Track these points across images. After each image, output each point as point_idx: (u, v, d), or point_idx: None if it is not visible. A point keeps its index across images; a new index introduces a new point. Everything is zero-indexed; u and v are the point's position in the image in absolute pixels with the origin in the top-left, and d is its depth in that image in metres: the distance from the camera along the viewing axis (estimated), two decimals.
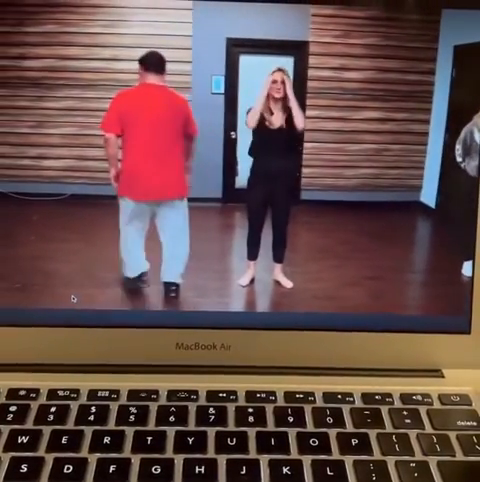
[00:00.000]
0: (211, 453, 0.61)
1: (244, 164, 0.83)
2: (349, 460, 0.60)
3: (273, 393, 0.69)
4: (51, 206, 0.80)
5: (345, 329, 0.74)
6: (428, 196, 0.83)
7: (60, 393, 0.68)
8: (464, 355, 0.74)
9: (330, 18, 0.74)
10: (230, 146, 0.81)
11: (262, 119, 0.82)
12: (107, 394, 0.68)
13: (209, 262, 0.87)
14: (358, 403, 0.69)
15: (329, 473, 0.59)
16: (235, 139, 0.81)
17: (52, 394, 0.68)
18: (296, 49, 0.79)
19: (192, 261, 0.81)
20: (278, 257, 0.85)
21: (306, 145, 0.82)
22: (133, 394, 0.68)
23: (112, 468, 0.58)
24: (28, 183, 0.81)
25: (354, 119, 0.80)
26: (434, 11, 0.72)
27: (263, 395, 0.69)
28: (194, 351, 0.74)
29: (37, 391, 0.68)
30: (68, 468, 0.58)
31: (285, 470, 0.59)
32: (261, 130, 0.82)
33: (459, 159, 0.77)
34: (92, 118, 0.79)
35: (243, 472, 0.59)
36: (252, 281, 0.84)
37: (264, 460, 0.60)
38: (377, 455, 0.61)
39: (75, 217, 0.82)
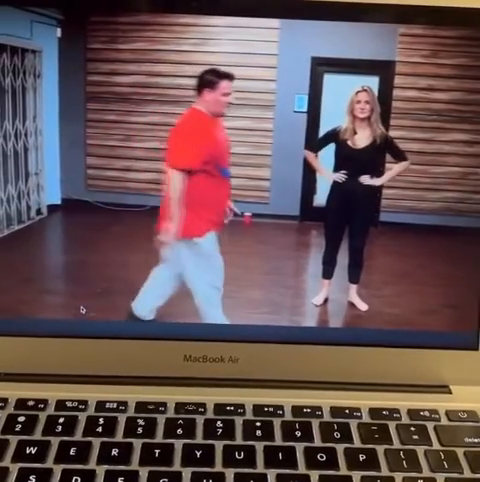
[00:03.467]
0: (219, 467, 0.61)
1: (323, 182, 0.83)
2: (357, 476, 0.60)
3: (281, 407, 0.69)
4: (133, 217, 0.82)
5: (353, 344, 0.74)
6: None
7: (68, 404, 0.68)
8: (472, 371, 0.74)
9: (418, 38, 0.73)
10: (310, 164, 0.81)
11: (345, 139, 0.82)
12: (115, 406, 0.69)
13: (284, 279, 0.87)
14: (366, 418, 0.69)
15: None
16: (317, 153, 0.81)
17: (60, 405, 0.68)
18: (382, 69, 0.79)
19: (268, 277, 0.82)
20: (354, 278, 0.84)
21: (388, 166, 0.82)
22: (141, 406, 0.69)
23: (120, 480, 0.58)
24: (114, 194, 0.83)
25: (439, 141, 0.79)
26: None
27: (271, 409, 0.69)
28: (202, 364, 0.74)
29: (45, 402, 0.69)
30: (76, 480, 0.58)
31: None
32: (344, 149, 0.82)
33: None
34: None
35: None
36: (326, 301, 0.84)
37: (272, 474, 0.60)
38: (385, 471, 0.61)
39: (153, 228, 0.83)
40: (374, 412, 0.69)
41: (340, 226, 0.85)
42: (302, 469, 0.61)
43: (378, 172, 0.82)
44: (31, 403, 0.68)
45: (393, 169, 0.81)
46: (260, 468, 0.61)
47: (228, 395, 0.71)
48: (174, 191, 0.79)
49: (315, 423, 0.67)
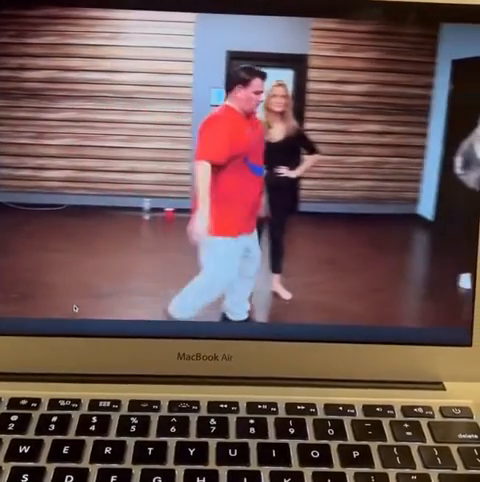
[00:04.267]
0: (212, 464, 0.61)
1: None
2: (350, 472, 0.60)
3: (274, 404, 0.69)
4: (49, 217, 0.80)
5: (346, 341, 0.74)
6: (425, 209, 0.83)
7: (61, 403, 0.68)
8: (465, 368, 0.74)
9: (330, 32, 0.75)
10: None
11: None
12: (108, 404, 0.68)
13: None
14: (359, 415, 0.69)
15: None
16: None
17: (53, 404, 0.68)
18: (296, 62, 0.80)
19: (192, 271, 0.82)
20: (276, 268, 0.85)
21: (305, 157, 0.82)
22: (134, 404, 0.69)
23: (113, 478, 0.58)
24: (27, 193, 0.81)
25: (353, 132, 0.80)
26: (433, 25, 0.73)
27: (264, 406, 0.69)
28: (195, 362, 0.74)
29: (38, 401, 0.68)
30: (69, 478, 0.58)
31: None
32: None
33: (459, 171, 0.78)
34: (91, 129, 0.80)
35: None
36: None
37: (265, 472, 0.60)
38: (378, 467, 0.61)
39: (72, 227, 0.82)
40: (368, 409, 0.69)
41: (260, 218, 0.86)
42: (296, 466, 0.61)
43: (294, 164, 0.83)
44: (24, 402, 0.68)
45: (306, 162, 0.82)
46: (253, 465, 0.61)
47: (222, 393, 0.71)
48: (200, 184, 0.79)
49: (309, 420, 0.67)
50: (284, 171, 0.82)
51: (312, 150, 0.80)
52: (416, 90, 0.78)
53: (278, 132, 0.83)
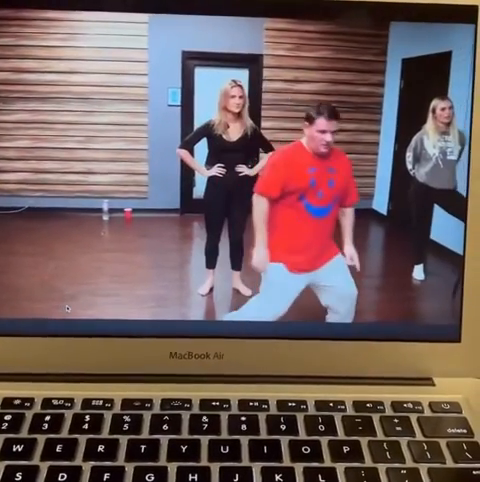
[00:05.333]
0: (204, 461, 0.61)
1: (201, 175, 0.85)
2: (341, 467, 0.61)
3: (266, 401, 0.70)
4: (7, 220, 0.80)
5: (337, 338, 0.75)
6: (380, 204, 0.85)
7: (54, 402, 0.69)
8: (454, 363, 0.75)
9: (283, 32, 0.76)
10: (186, 163, 0.82)
11: (219, 133, 0.83)
12: (101, 403, 0.69)
13: (169, 272, 0.87)
14: (350, 411, 0.69)
15: (321, 480, 0.59)
16: (192, 150, 0.82)
17: (46, 403, 0.69)
18: (250, 62, 0.81)
19: (152, 271, 0.82)
20: (236, 265, 0.86)
21: (262, 155, 0.83)
22: (127, 403, 0.69)
23: (106, 476, 0.59)
24: None
25: None
26: (383, 24, 0.74)
27: (256, 403, 0.70)
28: (187, 360, 0.74)
29: (32, 400, 0.69)
30: (62, 476, 0.59)
31: (277, 477, 0.59)
32: (218, 143, 0.84)
33: (409, 166, 0.80)
34: (47, 131, 0.80)
35: (236, 480, 0.59)
36: (211, 290, 0.85)
37: (257, 468, 0.61)
38: (368, 462, 0.62)
39: (32, 230, 0.82)
40: (358, 405, 0.70)
41: (219, 217, 0.87)
42: (287, 462, 0.62)
43: (252, 163, 0.83)
44: (17, 402, 0.69)
45: (264, 159, 0.83)
46: (245, 462, 0.61)
47: (213, 391, 0.71)
48: (255, 217, 0.81)
49: (300, 417, 0.68)
50: (244, 169, 0.82)
51: (269, 148, 0.81)
52: (368, 88, 0.80)
53: (235, 132, 0.84)
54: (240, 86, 0.80)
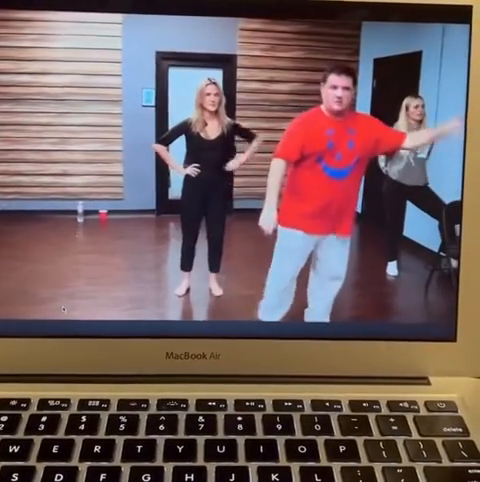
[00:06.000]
0: (200, 461, 0.61)
1: (176, 175, 0.84)
2: (337, 467, 0.61)
3: (262, 401, 0.70)
4: None
5: (333, 338, 0.75)
6: None
7: (51, 403, 0.69)
8: (450, 363, 0.75)
9: (257, 32, 0.77)
10: (162, 159, 0.82)
11: (197, 131, 0.84)
12: (97, 404, 0.69)
13: (145, 273, 0.87)
14: (346, 410, 0.70)
15: (317, 479, 0.59)
16: (167, 150, 0.82)
17: (43, 404, 0.69)
18: (225, 62, 0.82)
19: (129, 272, 0.81)
20: (214, 267, 0.86)
21: (237, 155, 0.83)
22: (123, 403, 0.69)
23: (102, 476, 0.59)
24: None
25: (282, 129, 0.81)
26: (355, 24, 0.75)
27: (252, 403, 0.70)
28: (184, 360, 0.74)
29: (28, 401, 0.69)
30: (59, 477, 0.59)
31: (274, 477, 0.59)
32: (197, 141, 0.84)
33: (382, 164, 0.82)
34: (22, 132, 0.80)
35: (232, 479, 0.59)
36: (188, 290, 0.85)
37: (253, 467, 0.61)
38: (364, 461, 0.62)
39: (6, 233, 0.81)
40: (354, 404, 0.70)
41: (196, 217, 0.87)
42: (283, 461, 0.62)
43: (231, 159, 0.84)
44: (13, 403, 0.69)
45: (250, 148, 0.83)
46: (241, 461, 0.62)
47: (210, 391, 0.71)
48: (270, 179, 0.80)
49: (296, 416, 0.68)
50: (229, 165, 0.83)
51: (251, 136, 0.82)
52: None
53: (214, 130, 0.84)
54: (215, 84, 0.80)
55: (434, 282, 0.79)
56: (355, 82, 0.78)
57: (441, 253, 0.80)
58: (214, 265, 0.86)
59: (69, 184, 0.82)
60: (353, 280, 0.82)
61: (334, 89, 0.78)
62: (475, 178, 0.73)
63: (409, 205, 0.86)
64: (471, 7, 0.70)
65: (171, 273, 0.89)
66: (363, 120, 0.79)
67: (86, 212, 0.82)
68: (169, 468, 0.60)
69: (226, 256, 0.85)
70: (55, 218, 0.80)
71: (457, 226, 0.75)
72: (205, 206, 0.86)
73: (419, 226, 0.84)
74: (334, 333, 0.75)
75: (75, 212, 0.82)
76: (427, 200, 0.80)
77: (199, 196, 0.86)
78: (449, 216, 0.77)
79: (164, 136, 0.80)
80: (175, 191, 0.86)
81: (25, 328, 0.74)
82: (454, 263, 0.75)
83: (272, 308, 0.80)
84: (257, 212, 0.81)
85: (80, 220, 0.81)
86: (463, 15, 0.70)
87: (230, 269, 0.85)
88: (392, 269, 0.81)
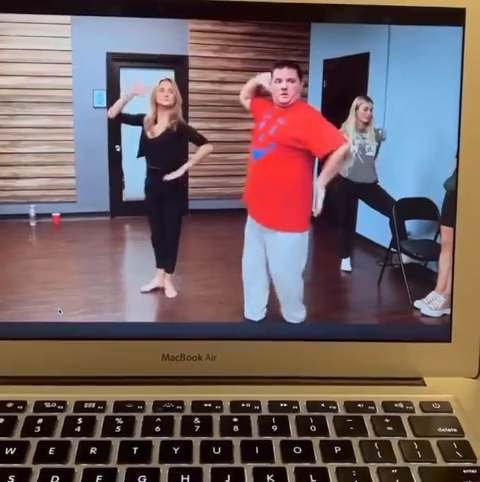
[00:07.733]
0: (196, 462, 0.62)
1: (131, 176, 0.84)
2: (332, 467, 0.61)
3: (257, 402, 0.70)
4: None
5: (327, 339, 0.75)
6: None
7: (47, 405, 0.69)
8: (445, 363, 0.75)
9: (207, 33, 0.77)
10: (115, 159, 0.82)
11: (146, 128, 0.83)
12: (93, 406, 0.69)
13: (101, 276, 0.87)
14: (341, 411, 0.70)
15: (312, 480, 0.60)
16: (120, 152, 0.82)
17: (39, 406, 0.69)
18: (176, 63, 0.82)
19: (84, 276, 0.82)
20: (168, 267, 0.85)
21: (190, 155, 0.84)
22: (119, 405, 0.69)
23: (98, 478, 0.59)
24: None
25: (234, 130, 0.82)
26: (304, 26, 0.75)
27: (248, 405, 0.70)
28: (180, 362, 0.75)
29: (24, 403, 0.69)
30: (55, 479, 0.59)
31: (269, 478, 0.60)
32: (144, 138, 0.84)
33: None
34: None
35: (228, 480, 0.59)
36: (155, 290, 0.85)
37: (248, 468, 0.61)
38: (359, 462, 0.62)
39: None
40: (349, 405, 0.70)
41: (154, 217, 0.86)
42: (278, 462, 0.62)
43: (178, 160, 0.84)
44: (10, 405, 0.69)
45: (197, 154, 0.84)
46: (237, 463, 0.62)
47: (206, 392, 0.71)
48: None
49: (291, 417, 0.68)
50: (168, 176, 0.82)
51: (201, 141, 0.81)
52: None
53: (161, 128, 0.84)
54: (169, 80, 0.81)
55: (386, 277, 0.82)
56: (300, 74, 0.78)
57: (392, 249, 0.83)
58: (168, 266, 0.85)
59: (20, 187, 0.81)
60: (308, 277, 0.83)
61: (279, 82, 0.79)
62: (470, 180, 0.73)
63: (361, 202, 0.88)
64: (464, 10, 0.71)
65: (127, 275, 0.89)
66: (300, 117, 0.80)
67: (38, 215, 0.81)
68: (165, 469, 0.60)
69: (181, 257, 0.84)
70: (6, 222, 0.78)
71: (407, 222, 0.80)
72: (160, 206, 0.86)
73: (369, 223, 0.86)
74: (329, 335, 0.76)
75: (27, 216, 0.81)
76: (377, 197, 0.83)
77: (155, 196, 0.85)
78: (399, 213, 0.80)
79: (124, 113, 0.80)
80: (129, 193, 0.86)
81: (21, 330, 0.75)
82: (404, 258, 0.77)
83: (250, 305, 0.81)
84: (213, 213, 0.82)
85: (32, 224, 0.81)
86: (456, 17, 0.71)
87: (186, 269, 0.85)
88: (346, 265, 0.84)
